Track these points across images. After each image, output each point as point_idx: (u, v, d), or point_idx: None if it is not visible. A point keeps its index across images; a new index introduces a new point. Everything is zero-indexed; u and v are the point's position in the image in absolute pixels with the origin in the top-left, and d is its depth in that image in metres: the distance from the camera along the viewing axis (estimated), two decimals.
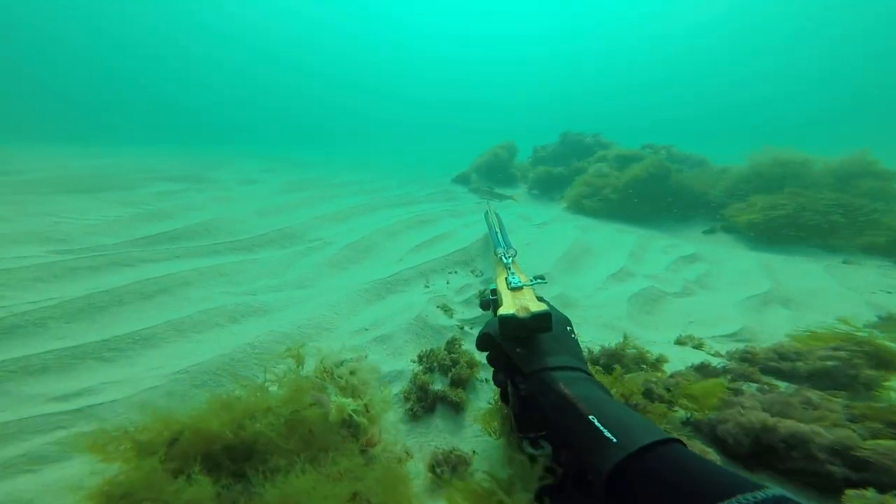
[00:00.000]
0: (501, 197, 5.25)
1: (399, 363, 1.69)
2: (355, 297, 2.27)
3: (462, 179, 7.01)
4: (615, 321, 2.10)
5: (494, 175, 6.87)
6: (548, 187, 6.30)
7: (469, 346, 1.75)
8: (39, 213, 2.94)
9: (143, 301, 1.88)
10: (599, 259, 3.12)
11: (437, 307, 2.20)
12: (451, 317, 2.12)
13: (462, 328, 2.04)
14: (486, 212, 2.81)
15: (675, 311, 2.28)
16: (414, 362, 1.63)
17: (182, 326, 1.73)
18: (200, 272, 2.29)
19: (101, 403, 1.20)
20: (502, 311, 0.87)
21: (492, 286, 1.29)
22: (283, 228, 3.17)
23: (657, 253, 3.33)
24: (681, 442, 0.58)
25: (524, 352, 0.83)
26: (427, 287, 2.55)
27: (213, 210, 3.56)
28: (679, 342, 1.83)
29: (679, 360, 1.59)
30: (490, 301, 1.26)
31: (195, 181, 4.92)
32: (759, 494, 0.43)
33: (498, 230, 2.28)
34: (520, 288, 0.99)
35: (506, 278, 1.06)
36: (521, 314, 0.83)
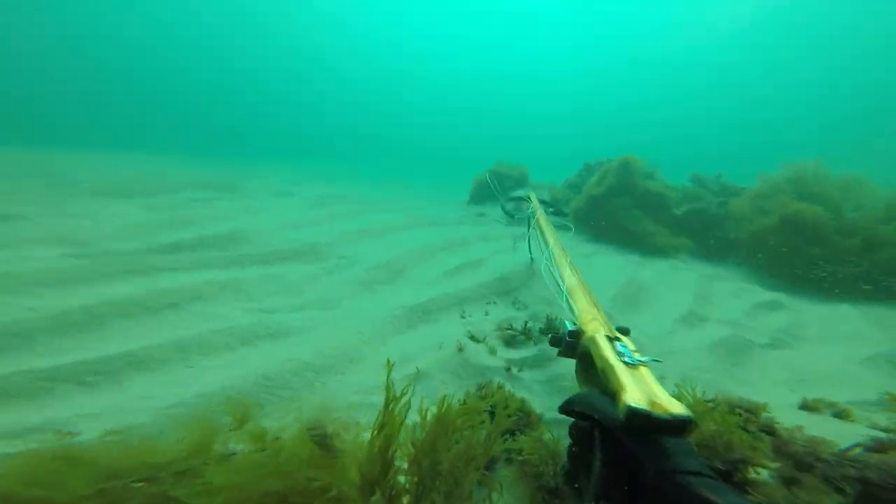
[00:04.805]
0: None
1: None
2: (385, 324, 1.99)
3: (477, 200, 6.71)
4: (698, 373, 1.71)
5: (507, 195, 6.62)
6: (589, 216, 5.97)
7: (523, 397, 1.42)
8: (66, 215, 2.85)
9: (148, 315, 1.65)
10: (660, 298, 2.72)
11: (478, 342, 1.88)
12: (494, 354, 1.80)
13: (509, 370, 1.72)
14: (534, 217, 2.27)
15: (771, 365, 1.85)
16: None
17: (186, 348, 1.48)
18: (217, 285, 2.07)
19: (64, 444, 0.92)
20: (630, 400, 0.70)
21: (568, 326, 1.10)
22: (309, 243, 2.97)
23: (727, 296, 2.89)
24: None
25: (648, 447, 0.68)
26: (463, 318, 2.24)
27: (240, 220, 3.42)
28: (806, 406, 1.39)
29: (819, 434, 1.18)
30: (567, 341, 1.06)
31: (228, 190, 4.88)
32: None
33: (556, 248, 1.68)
34: (636, 366, 0.81)
35: (614, 348, 0.86)
36: (659, 414, 0.67)
